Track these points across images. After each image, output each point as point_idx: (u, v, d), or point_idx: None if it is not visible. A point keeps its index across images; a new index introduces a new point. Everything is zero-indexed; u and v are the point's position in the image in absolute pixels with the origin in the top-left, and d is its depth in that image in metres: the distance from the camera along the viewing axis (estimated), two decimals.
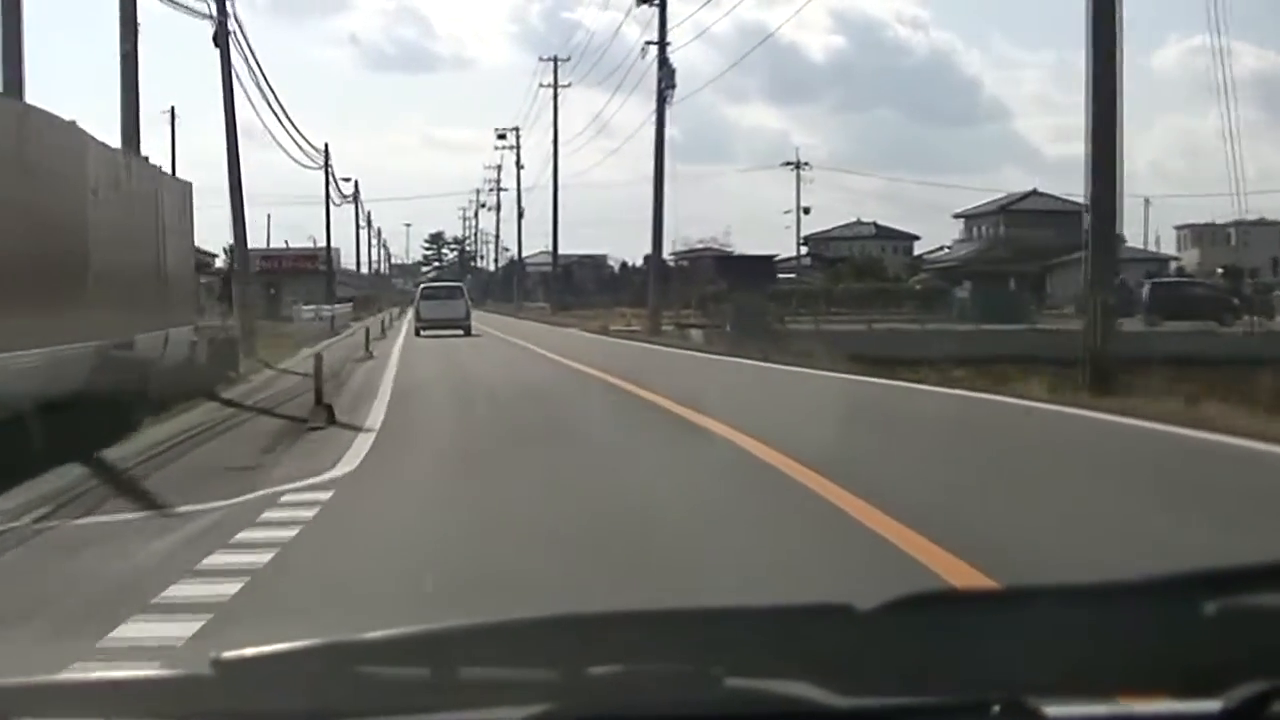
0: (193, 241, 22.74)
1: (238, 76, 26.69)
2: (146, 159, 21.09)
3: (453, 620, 1.58)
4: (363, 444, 12.15)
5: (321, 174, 69.14)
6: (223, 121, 25.67)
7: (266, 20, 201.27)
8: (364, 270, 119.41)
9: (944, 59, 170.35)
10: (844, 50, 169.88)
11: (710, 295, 52.43)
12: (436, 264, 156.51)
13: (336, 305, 59.57)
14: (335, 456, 11.13)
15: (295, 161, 71.28)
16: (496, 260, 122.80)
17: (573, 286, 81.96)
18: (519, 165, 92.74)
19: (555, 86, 73.30)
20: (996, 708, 1.53)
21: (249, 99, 53.24)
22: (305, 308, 42.74)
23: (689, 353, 30.74)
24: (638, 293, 76.96)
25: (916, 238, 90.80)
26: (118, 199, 16.55)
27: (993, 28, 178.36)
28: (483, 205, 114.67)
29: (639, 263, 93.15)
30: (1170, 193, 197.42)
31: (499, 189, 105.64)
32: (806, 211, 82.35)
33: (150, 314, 17.92)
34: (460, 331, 41.23)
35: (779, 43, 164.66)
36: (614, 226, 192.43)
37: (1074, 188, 76.70)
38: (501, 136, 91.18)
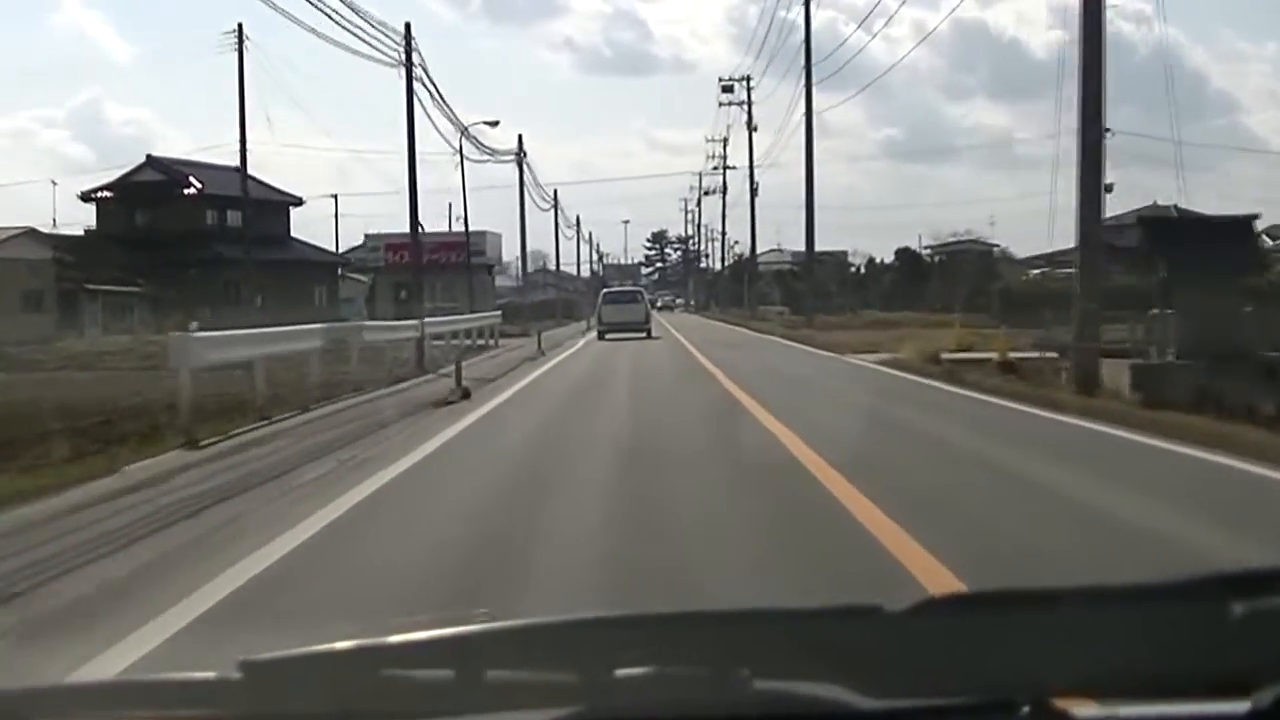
0: None
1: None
2: None
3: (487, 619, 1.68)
4: None
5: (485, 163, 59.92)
6: None
7: (480, 25, 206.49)
8: (583, 273, 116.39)
9: (1169, 53, 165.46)
10: (1066, 45, 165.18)
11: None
12: (659, 264, 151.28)
13: (464, 315, 40.42)
14: None
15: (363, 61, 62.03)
16: (724, 258, 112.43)
17: (813, 287, 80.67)
18: (750, 126, 73.49)
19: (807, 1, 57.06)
20: (1025, 709, 1.58)
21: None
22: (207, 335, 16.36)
23: None
24: (887, 294, 73.50)
25: None
26: None
27: (1216, 21, 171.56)
28: (706, 192, 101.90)
29: (888, 258, 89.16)
30: None
31: (724, 165, 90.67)
32: (1109, 189, 72.57)
33: None
34: (642, 334, 44.95)
35: (999, 39, 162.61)
36: (836, 213, 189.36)
37: None
38: (728, 89, 73.35)
